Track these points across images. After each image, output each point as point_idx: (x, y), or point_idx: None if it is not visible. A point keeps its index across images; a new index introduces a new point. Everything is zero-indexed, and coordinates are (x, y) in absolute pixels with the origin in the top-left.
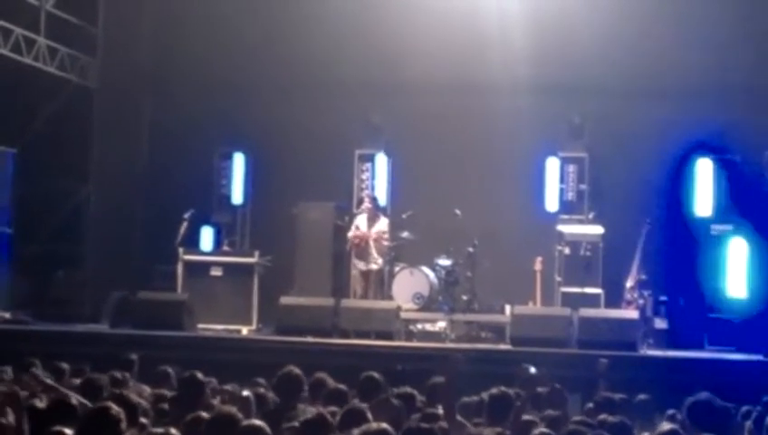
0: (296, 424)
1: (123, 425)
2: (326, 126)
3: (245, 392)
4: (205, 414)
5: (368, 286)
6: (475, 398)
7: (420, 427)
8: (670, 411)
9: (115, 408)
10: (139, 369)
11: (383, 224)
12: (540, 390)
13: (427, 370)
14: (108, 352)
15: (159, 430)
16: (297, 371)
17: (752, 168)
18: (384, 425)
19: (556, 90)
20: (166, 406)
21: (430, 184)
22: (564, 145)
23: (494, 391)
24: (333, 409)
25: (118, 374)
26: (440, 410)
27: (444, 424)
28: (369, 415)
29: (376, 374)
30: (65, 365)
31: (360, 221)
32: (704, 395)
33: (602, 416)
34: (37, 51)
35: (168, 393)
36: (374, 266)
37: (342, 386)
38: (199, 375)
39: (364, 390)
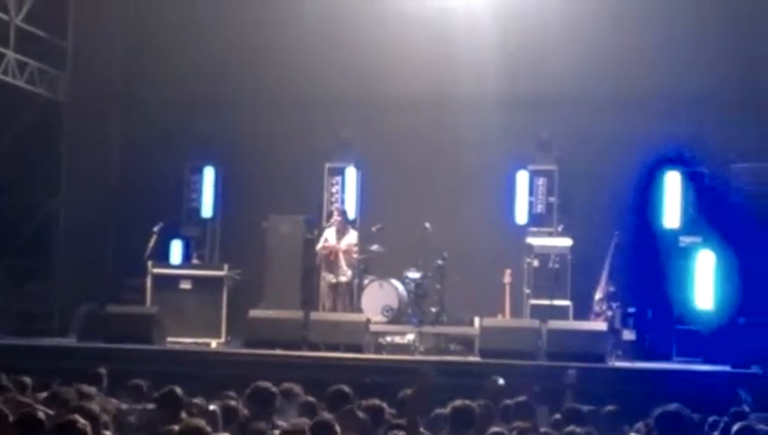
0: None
1: None
2: (296, 140)
3: (212, 407)
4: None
5: (336, 299)
6: (443, 410)
7: None
8: (638, 425)
9: (82, 421)
10: (108, 383)
11: (352, 236)
12: (508, 402)
13: (396, 382)
14: (76, 366)
15: None
16: (268, 385)
17: (719, 180)
18: None
19: (525, 104)
20: (131, 419)
21: (400, 197)
22: (533, 158)
23: (456, 403)
24: (304, 420)
25: (84, 388)
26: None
27: None
28: (338, 428)
29: (345, 387)
30: (28, 379)
31: (329, 234)
32: (671, 406)
33: (570, 428)
34: (6, 65)
35: (137, 407)
36: (343, 279)
37: (311, 398)
38: (178, 390)
39: (333, 402)
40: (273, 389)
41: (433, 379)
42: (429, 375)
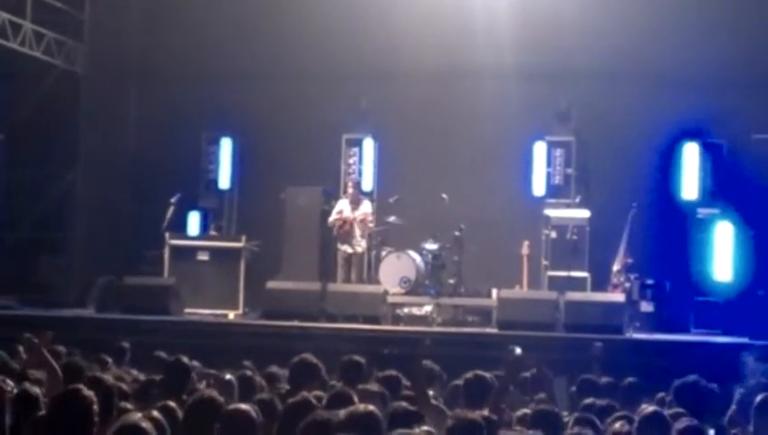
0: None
1: (95, 407)
2: (314, 111)
3: (228, 376)
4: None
5: (351, 270)
6: (459, 382)
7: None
8: (660, 395)
9: (87, 390)
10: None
11: (367, 206)
12: (525, 374)
13: (414, 354)
14: (94, 337)
15: (137, 414)
16: (312, 358)
17: (738, 151)
18: (371, 407)
19: (543, 75)
20: (154, 390)
21: (417, 168)
22: (551, 129)
23: (468, 375)
24: (319, 393)
25: (101, 357)
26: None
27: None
28: (356, 398)
29: (357, 357)
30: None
31: (343, 205)
32: (690, 378)
33: (588, 400)
34: (23, 35)
35: (156, 378)
36: (358, 249)
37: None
38: (185, 359)
39: (346, 373)
40: (312, 358)
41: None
42: (425, 344)
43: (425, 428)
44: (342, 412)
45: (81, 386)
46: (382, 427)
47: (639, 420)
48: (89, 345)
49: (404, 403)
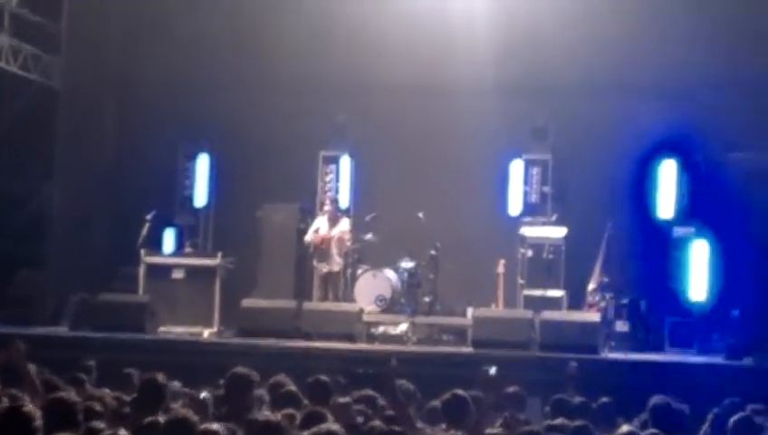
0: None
1: (38, 423)
2: (290, 127)
3: (203, 394)
4: (161, 418)
5: (328, 289)
6: (437, 403)
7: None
8: (639, 416)
9: (29, 407)
10: (99, 372)
11: (345, 224)
12: (500, 392)
13: (388, 373)
14: (67, 354)
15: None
16: (245, 370)
17: (714, 170)
18: (334, 426)
19: (520, 92)
20: (127, 410)
21: (394, 186)
22: (528, 147)
23: (446, 395)
24: (291, 411)
25: (77, 376)
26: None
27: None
28: (330, 417)
29: (324, 377)
30: None
31: (321, 223)
32: (660, 398)
33: (558, 420)
34: (0, 50)
35: (128, 397)
36: (336, 268)
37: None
38: (160, 377)
39: (313, 393)
40: (246, 370)
41: (395, 369)
42: (392, 366)
43: None
44: (306, 433)
45: (24, 403)
46: None
47: None
48: (60, 364)
49: (386, 423)
